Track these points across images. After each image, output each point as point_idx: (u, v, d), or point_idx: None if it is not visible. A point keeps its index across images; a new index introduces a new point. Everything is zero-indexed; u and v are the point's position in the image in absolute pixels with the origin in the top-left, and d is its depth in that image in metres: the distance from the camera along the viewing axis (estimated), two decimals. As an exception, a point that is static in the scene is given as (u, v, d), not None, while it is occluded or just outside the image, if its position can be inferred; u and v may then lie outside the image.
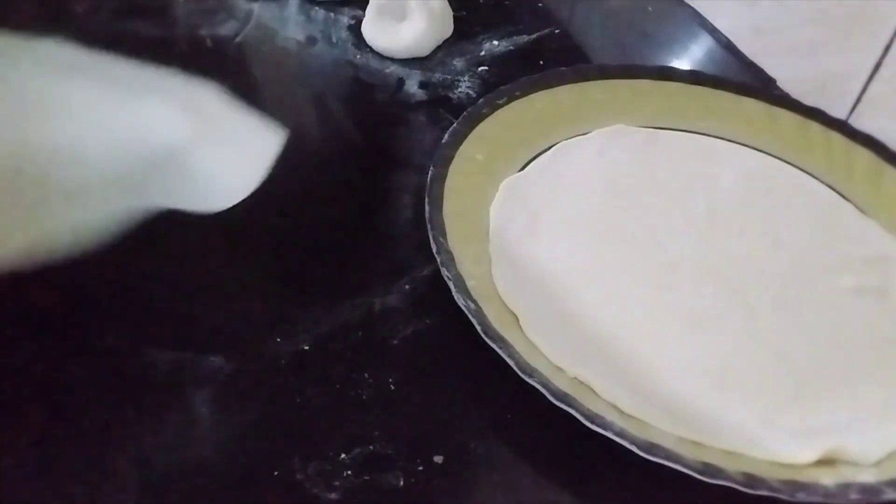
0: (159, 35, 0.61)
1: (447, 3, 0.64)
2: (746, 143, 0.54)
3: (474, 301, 0.40)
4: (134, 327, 0.40)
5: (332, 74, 0.59)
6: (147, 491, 0.34)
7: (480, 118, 0.51)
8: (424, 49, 0.62)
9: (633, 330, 0.42)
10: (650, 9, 0.73)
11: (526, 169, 0.50)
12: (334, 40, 0.63)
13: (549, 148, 0.52)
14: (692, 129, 0.55)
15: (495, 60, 0.63)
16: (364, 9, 0.66)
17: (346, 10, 0.67)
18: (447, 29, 0.64)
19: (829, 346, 0.42)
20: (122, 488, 0.34)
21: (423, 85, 0.59)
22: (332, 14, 0.66)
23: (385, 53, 0.61)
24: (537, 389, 0.36)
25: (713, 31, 0.68)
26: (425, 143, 0.54)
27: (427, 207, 0.45)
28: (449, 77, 0.61)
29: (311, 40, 0.64)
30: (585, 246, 0.46)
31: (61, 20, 0.61)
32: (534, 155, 0.51)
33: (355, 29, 0.64)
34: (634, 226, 0.48)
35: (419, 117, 0.56)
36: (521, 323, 0.41)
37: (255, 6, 0.65)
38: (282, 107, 0.56)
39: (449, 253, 0.42)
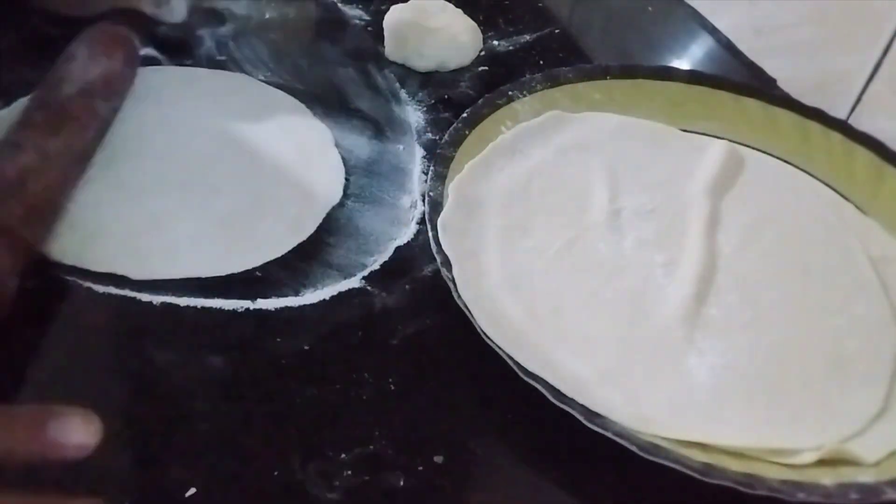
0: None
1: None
2: (746, 143, 0.54)
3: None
4: (134, 327, 0.40)
5: (331, 75, 0.59)
6: (147, 492, 0.34)
7: (480, 118, 0.51)
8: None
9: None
10: (650, 9, 0.73)
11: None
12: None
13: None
14: (692, 129, 0.55)
15: (495, 60, 0.63)
16: (363, 9, 0.66)
17: (346, 9, 0.67)
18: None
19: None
20: (122, 488, 0.33)
21: (423, 85, 0.59)
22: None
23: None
24: (537, 389, 0.36)
25: (713, 31, 0.69)
26: (425, 142, 0.54)
27: (427, 207, 0.45)
28: (449, 77, 0.61)
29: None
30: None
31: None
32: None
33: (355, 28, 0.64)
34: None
35: (419, 117, 0.56)
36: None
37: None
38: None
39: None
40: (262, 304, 0.42)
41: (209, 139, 0.51)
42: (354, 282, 0.44)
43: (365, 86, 0.59)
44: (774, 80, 0.63)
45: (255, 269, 0.44)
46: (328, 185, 0.49)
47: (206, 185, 0.48)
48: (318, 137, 0.53)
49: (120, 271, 0.42)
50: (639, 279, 0.44)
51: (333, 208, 0.48)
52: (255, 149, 0.51)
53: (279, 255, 0.44)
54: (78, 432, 0.27)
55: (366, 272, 0.44)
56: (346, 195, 0.49)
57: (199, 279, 0.42)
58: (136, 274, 0.42)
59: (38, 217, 0.41)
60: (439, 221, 0.43)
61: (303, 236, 0.46)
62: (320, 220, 0.47)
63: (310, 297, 0.43)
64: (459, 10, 0.64)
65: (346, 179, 0.50)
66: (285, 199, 0.48)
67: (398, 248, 0.46)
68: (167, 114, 0.52)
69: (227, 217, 0.46)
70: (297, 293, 0.43)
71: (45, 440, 0.27)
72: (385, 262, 0.45)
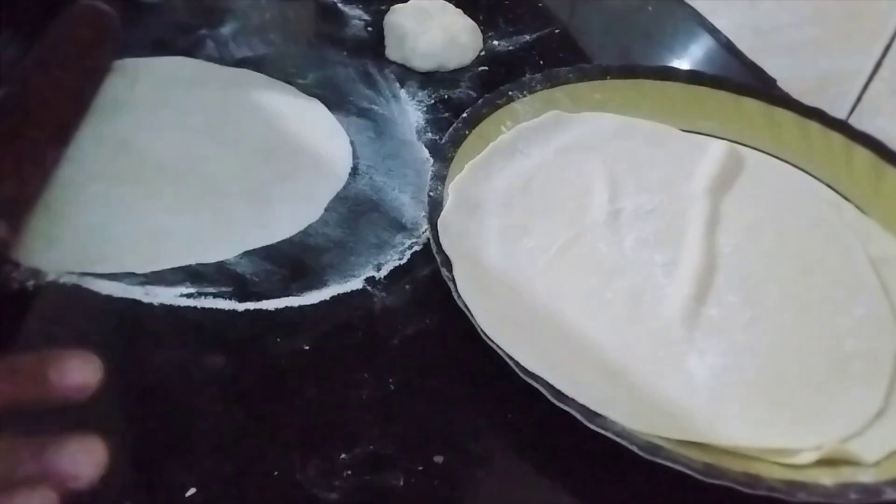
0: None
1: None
2: (746, 143, 0.54)
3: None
4: (135, 327, 0.40)
5: (331, 75, 0.59)
6: (147, 491, 0.34)
7: (480, 118, 0.51)
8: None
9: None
10: (650, 9, 0.73)
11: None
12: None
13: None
14: (692, 129, 0.55)
15: (495, 60, 0.63)
16: (363, 9, 0.66)
17: (345, 8, 0.67)
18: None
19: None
20: (122, 488, 0.33)
21: (423, 85, 0.59)
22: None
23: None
24: (537, 389, 0.36)
25: (713, 31, 0.69)
26: (425, 142, 0.54)
27: (427, 207, 0.45)
28: (449, 77, 0.61)
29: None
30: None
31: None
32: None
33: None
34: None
35: (419, 117, 0.56)
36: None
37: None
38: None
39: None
40: (263, 304, 0.42)
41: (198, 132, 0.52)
42: (357, 283, 0.44)
43: (365, 85, 0.59)
44: (774, 80, 0.63)
45: (257, 270, 0.44)
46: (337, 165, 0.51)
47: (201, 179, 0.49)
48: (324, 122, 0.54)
49: (126, 269, 0.42)
50: (639, 279, 0.44)
51: (335, 206, 0.48)
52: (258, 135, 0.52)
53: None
54: (78, 373, 0.27)
55: (368, 274, 0.44)
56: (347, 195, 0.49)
57: (201, 280, 0.42)
58: (139, 268, 0.42)
59: (11, 209, 0.40)
60: (439, 221, 0.43)
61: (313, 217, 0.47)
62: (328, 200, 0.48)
63: (310, 297, 0.42)
64: (459, 10, 0.64)
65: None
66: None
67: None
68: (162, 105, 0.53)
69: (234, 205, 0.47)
70: (298, 293, 0.43)
71: (46, 384, 0.27)
72: (388, 263, 0.45)
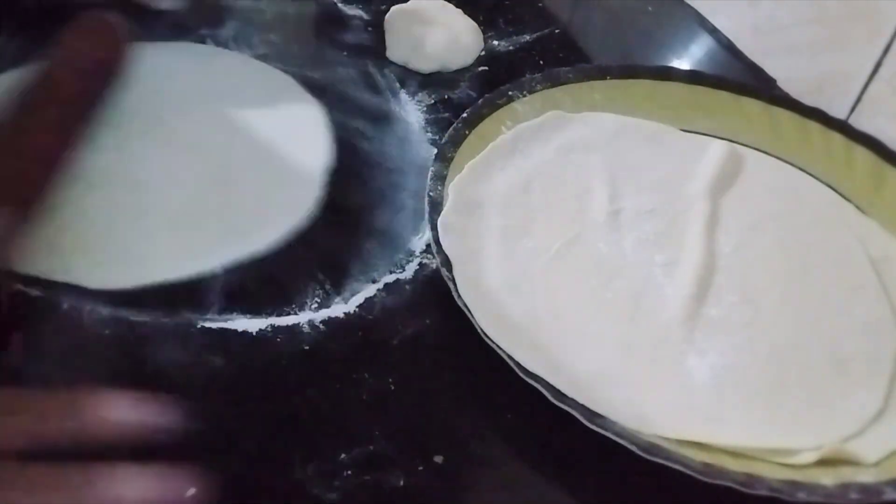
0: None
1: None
2: (746, 143, 0.54)
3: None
4: (135, 327, 0.40)
5: (331, 75, 0.59)
6: (147, 491, 0.34)
7: (480, 118, 0.51)
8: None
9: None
10: (650, 9, 0.73)
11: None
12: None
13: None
14: (692, 129, 0.55)
15: (495, 60, 0.63)
16: (363, 9, 0.66)
17: (345, 8, 0.67)
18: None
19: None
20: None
21: (423, 85, 0.59)
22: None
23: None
24: (537, 389, 0.36)
25: (713, 31, 0.69)
26: (425, 143, 0.54)
27: (427, 207, 0.45)
28: (449, 77, 0.61)
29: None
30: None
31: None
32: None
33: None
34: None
35: (419, 117, 0.56)
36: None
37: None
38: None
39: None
40: (271, 319, 0.41)
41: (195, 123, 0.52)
42: (371, 290, 0.44)
43: (365, 85, 0.59)
44: (774, 80, 0.63)
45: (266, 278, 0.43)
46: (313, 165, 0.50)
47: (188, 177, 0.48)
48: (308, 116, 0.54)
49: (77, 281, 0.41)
50: (639, 279, 0.44)
51: (334, 208, 0.48)
52: (243, 131, 0.52)
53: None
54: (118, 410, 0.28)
55: (379, 278, 0.44)
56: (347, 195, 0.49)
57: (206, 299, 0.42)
58: (92, 283, 0.41)
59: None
60: (439, 221, 0.43)
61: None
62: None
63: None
64: (460, 11, 0.64)
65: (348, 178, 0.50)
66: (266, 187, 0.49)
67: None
68: (152, 94, 0.52)
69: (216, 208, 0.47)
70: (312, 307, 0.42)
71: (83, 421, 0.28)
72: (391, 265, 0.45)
